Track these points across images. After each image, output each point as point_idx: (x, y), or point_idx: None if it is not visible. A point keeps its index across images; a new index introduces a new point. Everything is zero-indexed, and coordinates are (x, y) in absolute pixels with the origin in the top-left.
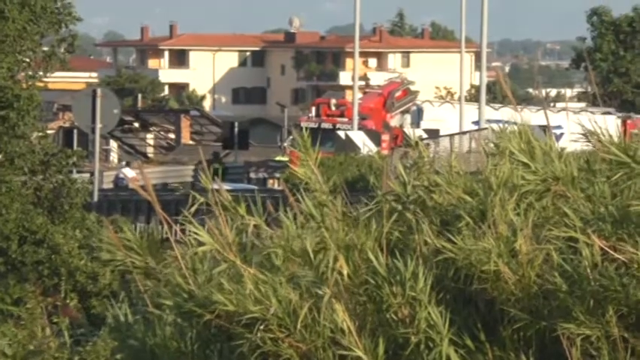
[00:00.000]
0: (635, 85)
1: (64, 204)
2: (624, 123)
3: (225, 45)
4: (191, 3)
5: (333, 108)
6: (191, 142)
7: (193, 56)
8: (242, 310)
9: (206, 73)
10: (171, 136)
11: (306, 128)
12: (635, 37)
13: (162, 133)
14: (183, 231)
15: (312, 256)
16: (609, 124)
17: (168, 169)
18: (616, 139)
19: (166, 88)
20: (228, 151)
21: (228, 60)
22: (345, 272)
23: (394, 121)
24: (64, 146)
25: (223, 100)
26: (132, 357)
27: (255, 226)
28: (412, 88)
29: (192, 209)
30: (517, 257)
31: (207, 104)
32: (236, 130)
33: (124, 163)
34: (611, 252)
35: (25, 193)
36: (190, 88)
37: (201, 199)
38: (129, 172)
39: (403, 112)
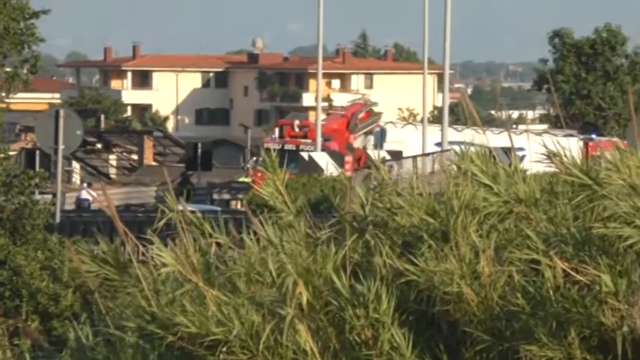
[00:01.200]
0: (597, 107)
1: (26, 225)
2: (586, 145)
3: (189, 66)
4: (154, 24)
5: (297, 129)
6: (154, 163)
7: (156, 77)
8: (204, 332)
9: (169, 93)
10: (134, 157)
11: (268, 149)
12: (596, 59)
13: (124, 154)
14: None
15: (274, 277)
16: (571, 146)
17: (131, 190)
18: (578, 161)
19: (129, 108)
20: (191, 172)
21: (192, 81)
22: (304, 297)
23: (357, 143)
24: (27, 167)
25: (186, 121)
26: None
27: (219, 246)
28: (375, 109)
29: (159, 226)
30: (479, 279)
31: (170, 125)
32: (199, 151)
33: (85, 184)
34: (573, 274)
35: None
36: (153, 109)
37: (166, 217)
38: (92, 193)
39: (366, 134)
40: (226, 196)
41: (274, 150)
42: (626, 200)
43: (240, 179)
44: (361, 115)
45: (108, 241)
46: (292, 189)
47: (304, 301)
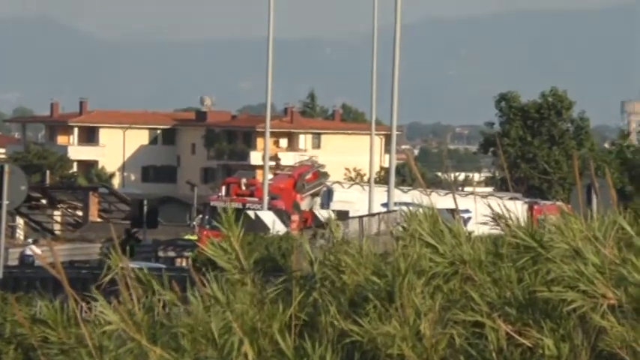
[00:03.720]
0: (542, 171)
1: None
2: (531, 208)
3: (136, 122)
4: (102, 79)
5: (243, 187)
6: (99, 220)
7: (103, 133)
8: None
9: (116, 150)
10: (79, 213)
11: (215, 207)
12: (542, 123)
13: (69, 210)
14: (90, 308)
15: (217, 338)
16: (516, 209)
17: (75, 247)
18: (523, 224)
19: (75, 164)
20: (136, 229)
21: (139, 137)
22: (250, 357)
23: (304, 205)
24: None
25: (133, 177)
26: None
27: (164, 304)
28: (322, 171)
29: (103, 282)
30: (422, 341)
31: (116, 182)
32: (145, 208)
33: (30, 240)
34: (517, 337)
35: None
36: (100, 166)
37: (111, 274)
38: (36, 250)
39: (313, 195)
40: (172, 254)
41: (226, 208)
42: (570, 264)
43: (186, 237)
44: (308, 177)
45: (48, 302)
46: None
47: None
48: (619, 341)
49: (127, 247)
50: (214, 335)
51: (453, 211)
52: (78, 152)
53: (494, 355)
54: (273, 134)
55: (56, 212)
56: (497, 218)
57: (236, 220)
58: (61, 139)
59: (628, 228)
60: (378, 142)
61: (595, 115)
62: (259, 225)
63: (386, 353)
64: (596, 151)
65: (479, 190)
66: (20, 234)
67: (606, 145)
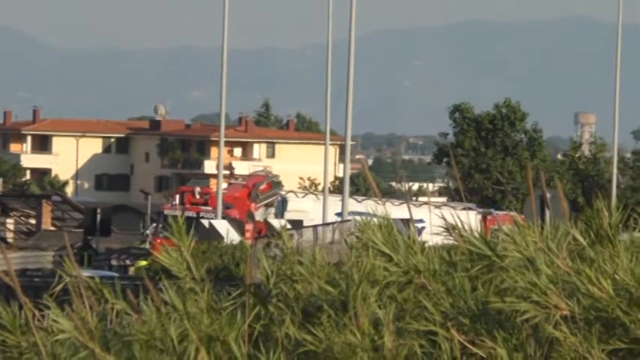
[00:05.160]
0: (496, 181)
1: None
2: (484, 219)
3: (90, 131)
4: (55, 87)
5: (197, 196)
6: (52, 228)
7: (56, 141)
8: None
9: (69, 158)
10: (32, 221)
11: (173, 216)
12: (496, 134)
13: (22, 218)
14: (43, 316)
15: (176, 345)
16: (470, 219)
17: (28, 255)
18: (477, 234)
19: (28, 172)
20: (90, 237)
21: (92, 146)
22: None
23: (258, 215)
24: None
25: (86, 186)
26: None
27: (117, 313)
28: (276, 181)
29: (56, 291)
30: (381, 351)
31: (69, 190)
32: (98, 216)
33: None
34: (470, 346)
35: None
36: (53, 174)
37: (64, 282)
38: None
39: (267, 206)
40: (125, 262)
41: (176, 216)
42: (524, 274)
43: (140, 246)
44: (263, 187)
45: (5, 306)
46: (191, 256)
47: None
48: (572, 352)
49: (85, 256)
50: (173, 342)
51: (407, 221)
52: (31, 160)
53: None
54: (227, 143)
55: (9, 220)
56: (450, 229)
57: (187, 229)
58: (14, 147)
59: (580, 239)
60: (333, 151)
61: (548, 126)
62: (213, 234)
63: None
64: (549, 162)
65: (433, 200)
66: None
67: (559, 157)
